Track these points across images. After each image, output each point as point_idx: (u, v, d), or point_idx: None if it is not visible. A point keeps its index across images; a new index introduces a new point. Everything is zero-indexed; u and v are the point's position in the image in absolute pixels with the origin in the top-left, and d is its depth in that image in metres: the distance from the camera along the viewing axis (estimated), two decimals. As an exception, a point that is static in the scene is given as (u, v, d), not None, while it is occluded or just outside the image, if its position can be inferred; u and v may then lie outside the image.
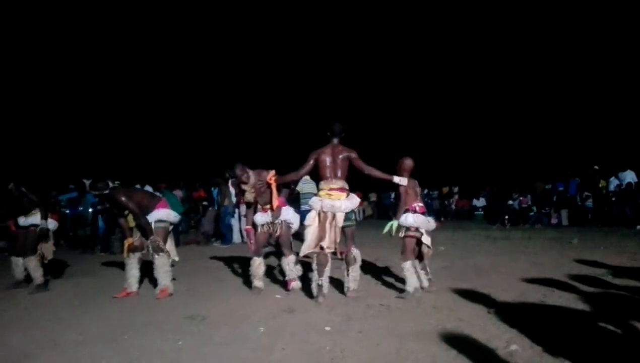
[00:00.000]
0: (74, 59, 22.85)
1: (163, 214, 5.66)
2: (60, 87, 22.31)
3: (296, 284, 5.55)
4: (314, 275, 4.87)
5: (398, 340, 3.48)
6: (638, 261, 6.44)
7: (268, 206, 5.47)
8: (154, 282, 5.63)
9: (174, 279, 5.72)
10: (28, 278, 6.50)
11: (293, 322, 4.15)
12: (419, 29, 25.77)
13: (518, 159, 21.12)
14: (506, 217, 14.80)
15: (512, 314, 3.95)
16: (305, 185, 9.25)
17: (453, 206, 18.94)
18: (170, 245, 5.76)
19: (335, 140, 5.09)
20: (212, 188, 11.68)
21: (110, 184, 5.57)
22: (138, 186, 10.72)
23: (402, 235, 5.08)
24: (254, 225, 5.63)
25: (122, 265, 5.89)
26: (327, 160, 4.96)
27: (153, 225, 5.53)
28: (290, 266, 5.55)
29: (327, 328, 3.86)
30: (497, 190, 17.22)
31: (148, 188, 11.01)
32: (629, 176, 13.07)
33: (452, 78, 25.17)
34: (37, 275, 6.37)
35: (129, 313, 4.73)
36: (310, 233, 4.89)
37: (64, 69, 22.54)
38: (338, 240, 4.90)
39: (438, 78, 25.41)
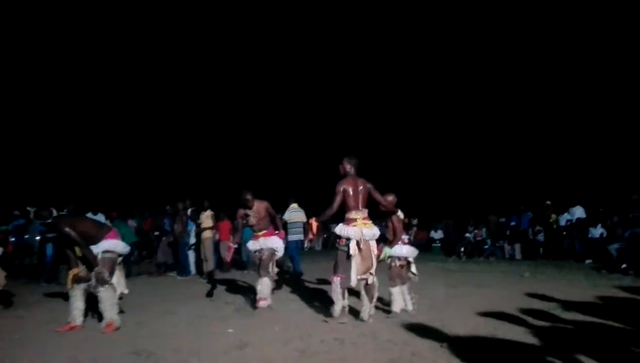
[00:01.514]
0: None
1: (111, 245, 5.45)
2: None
3: (264, 303, 6.04)
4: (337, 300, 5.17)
5: (350, 376, 3.42)
6: (587, 295, 6.63)
7: (261, 233, 6.33)
8: (100, 316, 5.38)
9: (121, 312, 5.50)
10: None
11: (246, 358, 4.03)
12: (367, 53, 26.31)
13: (474, 192, 21.60)
14: (462, 249, 15.06)
15: (464, 348, 3.98)
16: (294, 213, 9.22)
17: (412, 238, 19.12)
18: (119, 277, 5.55)
19: (354, 172, 5.40)
20: (165, 219, 11.41)
21: (55, 213, 5.35)
22: (90, 214, 10.40)
23: (394, 264, 5.67)
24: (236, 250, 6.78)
25: (67, 297, 5.61)
26: (353, 191, 5.25)
27: (100, 256, 5.31)
28: (263, 286, 6.09)
29: (280, 365, 3.77)
30: (453, 223, 17.54)
31: (100, 216, 10.70)
32: (579, 211, 13.57)
33: (408, 116, 25.72)
34: None
35: (73, 349, 4.48)
36: (357, 263, 5.11)
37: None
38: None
39: (395, 113, 25.98)
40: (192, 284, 9.27)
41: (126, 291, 5.65)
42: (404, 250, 5.72)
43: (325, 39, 26.59)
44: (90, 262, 5.29)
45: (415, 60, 25.51)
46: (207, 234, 10.50)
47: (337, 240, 5.38)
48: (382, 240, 5.67)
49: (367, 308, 5.22)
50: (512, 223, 15.15)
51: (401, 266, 5.72)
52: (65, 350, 4.44)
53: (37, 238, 10.71)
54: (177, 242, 10.71)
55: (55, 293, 8.11)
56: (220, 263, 11.10)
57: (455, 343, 4.12)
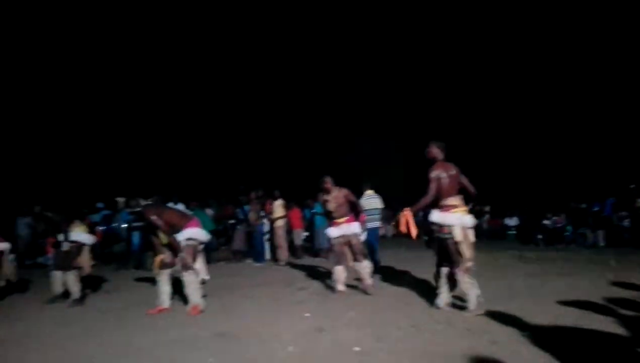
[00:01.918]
0: (92, 76, 23.34)
1: (193, 232, 5.78)
2: (86, 108, 22.91)
3: (371, 281, 6.28)
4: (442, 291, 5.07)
5: (429, 362, 3.44)
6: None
7: (341, 220, 6.39)
8: (186, 299, 5.72)
9: (205, 296, 5.81)
10: (65, 294, 6.71)
11: (322, 341, 4.15)
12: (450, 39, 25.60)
13: (552, 178, 20.64)
14: (540, 236, 14.48)
15: (546, 337, 3.86)
16: (370, 200, 8.70)
17: (485, 225, 18.62)
18: (200, 264, 5.85)
19: (442, 157, 5.20)
20: (239, 208, 11.80)
21: (142, 202, 5.73)
22: (171, 204, 10.98)
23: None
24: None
25: (155, 282, 6.00)
26: (448, 176, 5.06)
27: (183, 243, 5.64)
28: (365, 270, 6.27)
29: (357, 349, 3.85)
30: (530, 210, 16.88)
31: (180, 206, 11.24)
32: (668, 195, 12.65)
33: (484, 95, 24.87)
34: (75, 289, 6.60)
35: (162, 330, 4.81)
36: (466, 249, 4.93)
37: (88, 89, 23.12)
38: None
39: (468, 95, 25.17)
40: (267, 270, 9.58)
41: (207, 277, 5.96)
42: None
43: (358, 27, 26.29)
44: (173, 248, 5.61)
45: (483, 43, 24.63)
46: (278, 223, 10.79)
47: (438, 229, 5.05)
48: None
49: (473, 297, 4.90)
50: (595, 209, 14.35)
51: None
52: (154, 331, 4.78)
53: (124, 226, 11.44)
54: (252, 230, 11.10)
55: (142, 278, 8.68)
56: (292, 250, 11.38)
57: (536, 333, 4.00)
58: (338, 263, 6.37)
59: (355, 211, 6.56)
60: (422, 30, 25.40)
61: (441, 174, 5.03)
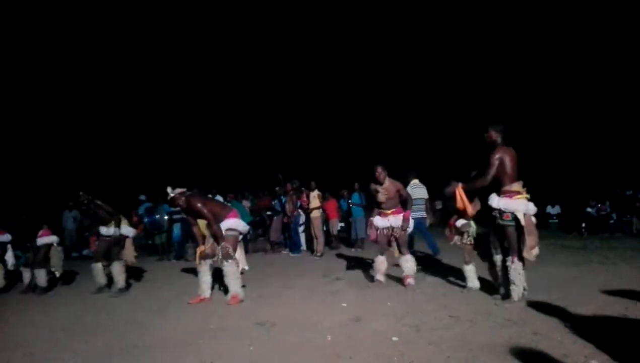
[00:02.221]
0: (122, 76, 23.86)
1: (233, 223, 5.88)
2: (119, 105, 23.48)
3: (412, 280, 6.07)
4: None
5: (469, 352, 3.40)
6: None
7: (390, 211, 6.26)
8: (225, 289, 5.84)
9: (243, 286, 5.92)
10: (109, 285, 6.97)
11: (360, 331, 4.16)
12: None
13: (596, 164, 19.97)
14: (583, 225, 14.06)
15: (590, 328, 3.76)
16: (415, 189, 8.60)
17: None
18: (240, 254, 5.96)
19: (501, 140, 4.96)
20: (276, 200, 11.91)
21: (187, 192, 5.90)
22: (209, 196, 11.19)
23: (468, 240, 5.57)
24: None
25: (195, 272, 6.15)
26: (510, 161, 4.84)
27: (224, 234, 5.75)
28: (408, 263, 6.12)
29: (395, 339, 3.84)
30: (573, 197, 16.38)
31: (219, 198, 11.43)
32: None
33: (526, 79, 24.24)
34: (120, 279, 6.86)
35: (203, 319, 4.93)
36: (529, 237, 4.80)
37: (118, 88, 23.70)
38: None
39: (510, 79, 24.58)
40: (304, 260, 9.67)
41: (246, 267, 6.07)
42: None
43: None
44: (217, 237, 5.74)
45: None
46: (315, 213, 10.84)
47: (502, 215, 4.85)
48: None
49: (519, 287, 4.84)
50: (641, 196, 13.83)
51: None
52: (194, 321, 4.90)
53: (166, 218, 11.75)
54: (289, 221, 11.20)
55: (183, 268, 8.90)
56: (329, 240, 11.44)
57: (581, 323, 3.90)
58: (380, 253, 6.33)
59: (404, 205, 6.36)
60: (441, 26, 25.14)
61: (504, 158, 4.80)
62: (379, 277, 6.29)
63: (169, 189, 5.95)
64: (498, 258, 5.09)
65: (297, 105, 26.41)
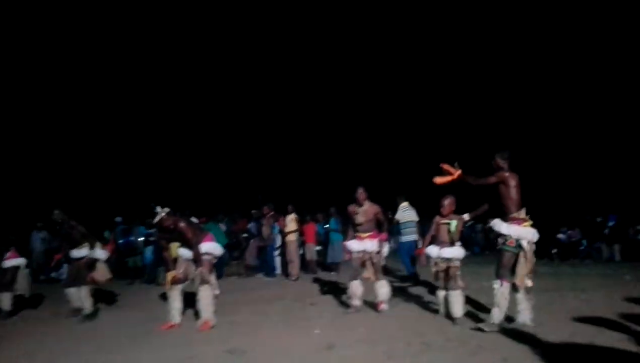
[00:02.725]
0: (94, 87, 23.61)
1: (209, 247, 5.84)
2: (99, 124, 23.17)
3: (385, 306, 6.02)
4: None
5: (439, 380, 3.40)
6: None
7: (366, 235, 6.13)
8: (196, 314, 5.72)
9: (215, 312, 5.80)
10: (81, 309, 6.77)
11: (332, 358, 4.13)
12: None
13: (567, 191, 20.43)
14: (554, 251, 14.29)
15: (560, 355, 3.81)
16: (406, 213, 8.71)
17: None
18: (212, 279, 5.88)
19: (508, 167, 5.02)
20: (252, 222, 11.85)
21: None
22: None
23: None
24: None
25: (166, 297, 6.03)
26: (516, 186, 4.92)
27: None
28: (383, 289, 6.04)
29: (367, 366, 3.81)
30: (544, 223, 16.67)
31: (194, 220, 11.30)
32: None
33: (495, 103, 24.81)
34: (87, 304, 6.65)
35: (171, 346, 4.82)
36: (528, 264, 4.95)
37: (100, 104, 23.40)
38: None
39: (480, 103, 25.15)
40: (279, 285, 9.56)
41: (218, 292, 5.97)
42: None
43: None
44: (197, 261, 5.68)
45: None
46: (291, 237, 10.78)
47: (507, 240, 4.93)
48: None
49: (528, 311, 4.96)
50: (610, 223, 14.14)
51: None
52: (162, 348, 4.78)
53: (141, 239, 11.59)
54: (265, 245, 11.10)
55: (154, 293, 8.72)
56: (305, 264, 11.36)
57: (550, 350, 3.94)
58: (354, 277, 6.19)
59: (380, 229, 6.32)
60: (425, 35, 25.62)
61: (511, 181, 4.88)
62: (355, 301, 6.16)
63: (158, 209, 5.83)
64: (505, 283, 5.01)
65: (275, 129, 26.46)
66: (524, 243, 4.88)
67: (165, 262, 6.94)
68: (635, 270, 9.80)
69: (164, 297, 7.83)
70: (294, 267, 10.55)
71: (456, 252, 5.44)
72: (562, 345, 4.17)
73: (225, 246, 9.77)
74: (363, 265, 6.28)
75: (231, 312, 6.42)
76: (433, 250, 5.56)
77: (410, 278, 8.60)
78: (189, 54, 25.42)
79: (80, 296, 6.65)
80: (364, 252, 6.19)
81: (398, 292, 7.50)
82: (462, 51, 25.68)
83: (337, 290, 7.81)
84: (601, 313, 5.31)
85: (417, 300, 6.70)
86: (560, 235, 14.81)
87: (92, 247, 6.79)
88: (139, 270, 11.62)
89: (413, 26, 26.26)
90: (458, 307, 5.27)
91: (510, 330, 4.70)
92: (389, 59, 26.95)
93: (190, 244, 5.73)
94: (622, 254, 13.22)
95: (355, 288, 6.17)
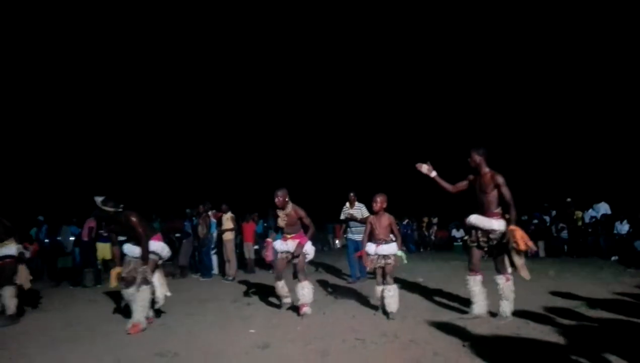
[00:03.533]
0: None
1: (158, 247, 5.65)
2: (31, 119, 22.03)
3: (307, 309, 5.78)
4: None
5: (372, 375, 3.42)
6: (612, 292, 6.52)
7: (290, 236, 5.99)
8: (128, 313, 5.50)
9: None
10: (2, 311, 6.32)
11: (267, 358, 4.07)
12: (388, 45, 26.29)
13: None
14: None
15: (487, 347, 3.95)
16: (354, 211, 8.71)
17: (432, 237, 19.04)
18: (160, 280, 5.70)
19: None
20: (187, 221, 11.55)
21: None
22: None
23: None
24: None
25: (94, 298, 5.75)
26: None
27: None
28: (304, 291, 5.80)
29: (301, 365, 3.79)
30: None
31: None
32: (603, 208, 13.33)
33: (430, 108, 25.64)
34: (11, 305, 6.21)
35: (98, 350, 4.58)
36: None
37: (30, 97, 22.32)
38: None
39: (415, 108, 25.89)
40: (215, 285, 9.37)
41: (169, 293, 5.85)
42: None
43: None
44: (144, 259, 5.47)
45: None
46: (228, 236, 10.61)
47: (500, 236, 5.18)
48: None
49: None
50: (535, 221, 14.94)
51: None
52: (88, 353, 4.54)
53: (71, 239, 11.03)
54: (201, 244, 10.84)
55: (80, 296, 8.29)
56: (242, 264, 11.21)
57: (478, 343, 4.09)
58: (278, 278, 6.08)
59: (305, 230, 6.15)
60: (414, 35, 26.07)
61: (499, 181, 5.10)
62: (286, 300, 6.12)
63: (97, 199, 5.49)
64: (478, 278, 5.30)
65: (213, 126, 26.06)
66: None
67: (92, 263, 6.64)
68: (558, 265, 10.39)
69: (91, 299, 7.50)
70: (232, 267, 10.38)
71: (392, 248, 5.54)
72: (488, 338, 4.33)
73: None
74: (285, 265, 6.15)
75: (164, 314, 6.20)
76: (370, 248, 5.64)
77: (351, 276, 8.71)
78: (162, 51, 24.70)
79: (3, 296, 6.19)
80: (287, 251, 6.05)
81: (335, 291, 7.56)
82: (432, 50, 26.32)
83: (274, 290, 7.73)
84: (526, 306, 5.56)
85: (357, 298, 6.76)
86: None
87: (9, 247, 6.32)
88: (68, 272, 11.04)
89: (389, 27, 26.80)
90: (393, 302, 5.37)
91: (442, 324, 4.83)
92: (359, 60, 27.31)
93: (141, 239, 5.49)
94: (546, 251, 13.97)
95: (280, 288, 6.08)
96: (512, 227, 5.02)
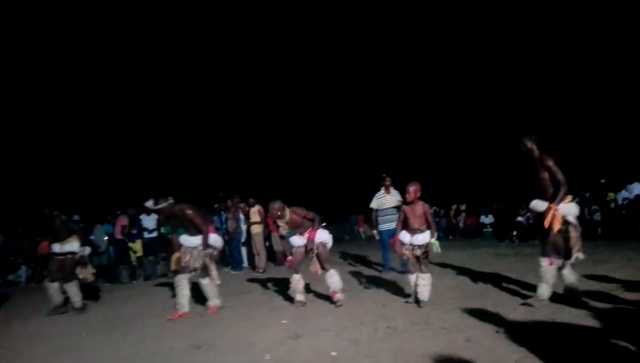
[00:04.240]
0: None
1: (212, 238, 5.99)
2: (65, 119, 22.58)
3: (340, 296, 5.84)
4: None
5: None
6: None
7: (305, 232, 5.98)
8: (165, 307, 5.63)
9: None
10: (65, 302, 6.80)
11: (300, 348, 4.12)
12: (414, 41, 25.98)
13: (524, 175, 21.01)
14: (514, 233, 14.68)
15: (521, 333, 3.90)
16: (384, 199, 8.36)
17: (461, 224, 18.82)
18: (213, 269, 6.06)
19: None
20: (216, 215, 11.69)
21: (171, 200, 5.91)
22: (144, 216, 10.88)
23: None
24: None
25: (130, 294, 5.92)
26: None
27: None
28: (333, 278, 5.86)
29: (334, 354, 3.83)
30: (504, 207, 17.11)
31: (154, 216, 11.11)
32: (637, 189, 12.95)
33: (456, 95, 25.27)
34: (77, 299, 6.71)
35: (137, 343, 4.72)
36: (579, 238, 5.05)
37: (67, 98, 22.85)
38: None
39: (441, 95, 25.52)
40: (245, 278, 9.49)
41: (218, 282, 6.17)
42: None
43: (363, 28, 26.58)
44: (205, 245, 5.87)
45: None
46: (256, 229, 10.72)
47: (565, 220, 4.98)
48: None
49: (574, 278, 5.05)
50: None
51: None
52: (130, 344, 4.69)
53: (105, 239, 11.35)
54: (231, 238, 10.98)
55: (116, 291, 8.51)
56: (271, 256, 11.32)
57: (511, 329, 4.04)
58: (295, 272, 6.00)
59: (314, 223, 5.99)
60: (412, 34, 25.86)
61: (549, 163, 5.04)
62: (299, 297, 5.99)
63: (148, 204, 5.89)
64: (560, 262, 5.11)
65: (236, 121, 26.28)
66: (571, 219, 4.98)
67: (127, 260, 6.84)
68: (591, 248, 10.14)
69: (127, 295, 7.70)
70: (261, 260, 10.50)
71: (426, 237, 5.51)
72: (522, 324, 4.28)
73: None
74: (302, 258, 6.10)
75: (198, 307, 6.33)
76: (405, 237, 5.60)
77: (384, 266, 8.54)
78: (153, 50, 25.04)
79: (69, 291, 6.67)
80: (305, 246, 6.00)
81: (366, 281, 7.58)
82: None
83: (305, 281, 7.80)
84: (560, 291, 5.46)
85: (387, 287, 6.76)
86: (520, 218, 15.22)
87: (82, 244, 6.84)
88: (103, 269, 11.35)
89: (382, 28, 26.64)
90: (426, 291, 5.35)
91: (474, 310, 4.80)
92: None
93: (201, 230, 5.83)
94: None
95: (297, 282, 6.00)
96: (551, 205, 4.92)
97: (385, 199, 8.39)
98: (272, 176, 22.97)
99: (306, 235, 6.00)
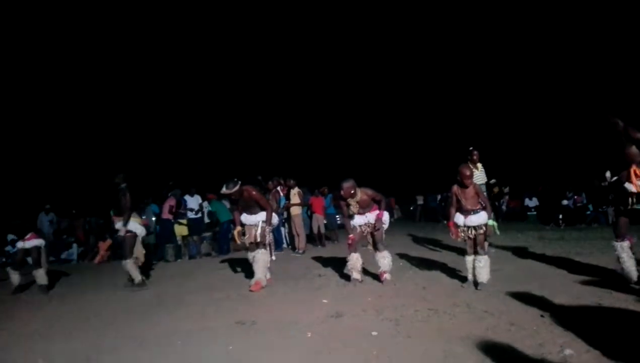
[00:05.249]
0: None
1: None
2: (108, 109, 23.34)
3: (388, 276, 6.05)
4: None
5: (446, 344, 3.43)
6: None
7: (367, 212, 6.15)
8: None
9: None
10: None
11: (340, 327, 4.17)
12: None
13: (571, 156, 20.34)
14: (560, 216, 14.27)
15: (566, 317, 3.82)
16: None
17: (504, 207, 18.41)
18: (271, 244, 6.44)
19: None
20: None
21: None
22: (187, 196, 11.16)
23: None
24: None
25: (175, 273, 6.11)
26: None
27: (260, 224, 6.32)
28: (385, 260, 6.04)
29: (375, 333, 3.86)
30: (550, 189, 16.62)
31: (197, 198, 11.38)
32: None
33: (501, 78, 24.56)
34: (136, 274, 7.02)
35: (182, 319, 4.89)
36: None
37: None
38: None
39: (485, 79, 24.88)
40: (286, 258, 9.64)
41: (274, 258, 6.62)
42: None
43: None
44: (268, 222, 6.37)
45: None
46: (295, 211, 10.82)
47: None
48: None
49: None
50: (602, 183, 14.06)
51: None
52: (176, 320, 4.86)
53: (153, 219, 11.73)
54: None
55: (162, 270, 8.80)
56: (311, 237, 11.42)
57: (557, 313, 3.96)
58: (354, 250, 6.11)
59: (379, 205, 6.20)
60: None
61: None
62: (355, 274, 6.10)
63: (223, 190, 6.30)
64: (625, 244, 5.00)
65: (271, 105, 26.55)
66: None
67: (172, 239, 7.03)
68: (637, 232, 9.77)
69: (172, 273, 7.94)
70: (301, 241, 10.62)
71: (482, 218, 5.41)
72: (568, 308, 4.19)
73: (231, 221, 9.88)
74: (361, 238, 6.26)
75: (240, 286, 6.51)
76: (459, 219, 5.52)
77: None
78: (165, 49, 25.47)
79: (126, 268, 6.98)
80: (367, 224, 6.17)
81: (407, 262, 7.56)
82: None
83: (344, 262, 7.85)
84: (607, 276, 5.32)
85: (427, 269, 6.73)
86: (566, 201, 14.78)
87: (133, 222, 7.07)
88: (150, 248, 11.76)
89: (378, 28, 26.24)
90: (484, 273, 5.29)
91: (517, 294, 4.72)
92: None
93: (266, 208, 6.37)
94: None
95: (355, 261, 6.10)
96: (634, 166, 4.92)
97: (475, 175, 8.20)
98: (316, 157, 23.12)
99: (370, 214, 6.15)
